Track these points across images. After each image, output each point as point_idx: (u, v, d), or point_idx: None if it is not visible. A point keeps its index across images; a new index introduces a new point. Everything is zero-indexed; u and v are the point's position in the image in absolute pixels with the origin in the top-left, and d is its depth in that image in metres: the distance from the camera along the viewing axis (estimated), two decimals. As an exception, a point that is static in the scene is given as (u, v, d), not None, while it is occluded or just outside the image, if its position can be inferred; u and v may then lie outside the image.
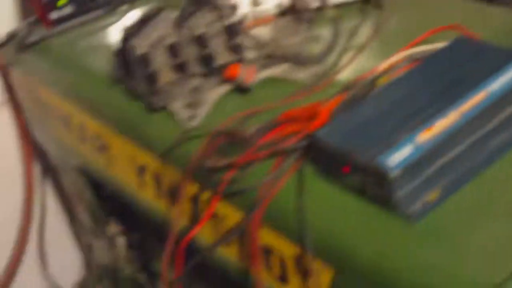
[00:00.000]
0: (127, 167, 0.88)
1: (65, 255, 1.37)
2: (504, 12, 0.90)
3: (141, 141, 0.84)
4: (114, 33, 0.99)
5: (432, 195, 0.62)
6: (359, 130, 0.66)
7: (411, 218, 0.61)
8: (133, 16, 0.92)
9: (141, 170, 0.85)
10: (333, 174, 0.66)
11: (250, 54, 0.84)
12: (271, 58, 0.84)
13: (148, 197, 0.87)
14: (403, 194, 0.61)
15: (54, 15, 1.02)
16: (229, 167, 0.69)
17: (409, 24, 0.89)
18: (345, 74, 0.82)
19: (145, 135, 0.83)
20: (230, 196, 0.71)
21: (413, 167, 0.61)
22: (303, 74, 0.83)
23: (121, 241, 1.08)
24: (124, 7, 1.07)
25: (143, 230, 1.05)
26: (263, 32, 0.89)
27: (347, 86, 0.74)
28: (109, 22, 1.05)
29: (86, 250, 1.33)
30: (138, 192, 0.88)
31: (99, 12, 1.06)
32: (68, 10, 1.03)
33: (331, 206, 0.65)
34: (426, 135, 0.63)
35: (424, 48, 0.77)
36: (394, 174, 0.60)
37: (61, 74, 1.00)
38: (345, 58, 0.85)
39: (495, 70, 0.69)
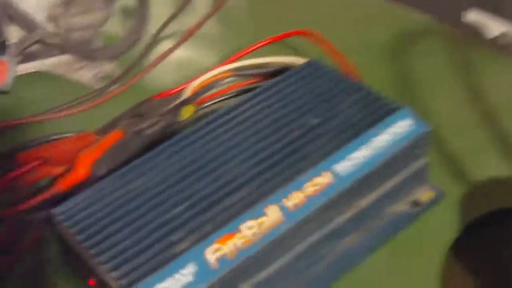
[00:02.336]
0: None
1: None
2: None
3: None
4: None
5: None
6: (116, 219, 0.43)
7: None
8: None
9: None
10: (78, 273, 0.44)
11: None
12: (45, 46, 0.60)
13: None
14: None
15: None
16: None
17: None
18: (149, 80, 0.59)
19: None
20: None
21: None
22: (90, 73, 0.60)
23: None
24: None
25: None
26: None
27: (139, 110, 0.52)
28: None
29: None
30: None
31: None
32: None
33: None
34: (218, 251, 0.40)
35: (259, 61, 0.54)
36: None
37: None
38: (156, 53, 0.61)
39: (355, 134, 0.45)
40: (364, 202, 0.46)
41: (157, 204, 0.43)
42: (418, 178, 0.48)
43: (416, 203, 0.48)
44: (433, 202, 0.49)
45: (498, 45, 0.63)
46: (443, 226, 0.49)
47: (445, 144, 0.53)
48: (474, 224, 0.49)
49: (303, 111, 0.47)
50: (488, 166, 0.52)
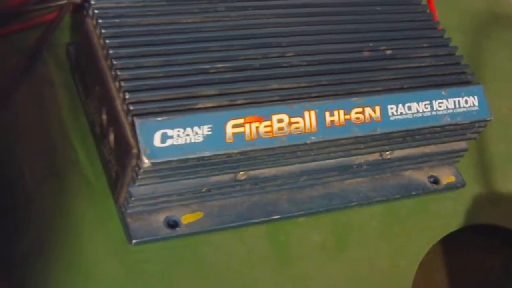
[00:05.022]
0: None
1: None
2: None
3: None
4: None
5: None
6: (153, 42, 0.38)
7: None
8: None
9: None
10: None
11: None
12: None
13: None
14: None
15: None
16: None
17: None
18: None
19: None
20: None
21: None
22: None
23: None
24: None
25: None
26: None
27: None
28: None
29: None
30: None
31: None
32: None
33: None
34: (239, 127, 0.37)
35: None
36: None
37: None
38: None
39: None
40: (393, 154, 0.43)
41: (202, 50, 0.39)
42: (450, 158, 0.45)
43: (434, 181, 0.46)
44: (450, 188, 0.46)
45: None
46: (445, 214, 0.46)
47: (489, 142, 0.50)
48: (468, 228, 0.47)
49: (382, 36, 0.43)
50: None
